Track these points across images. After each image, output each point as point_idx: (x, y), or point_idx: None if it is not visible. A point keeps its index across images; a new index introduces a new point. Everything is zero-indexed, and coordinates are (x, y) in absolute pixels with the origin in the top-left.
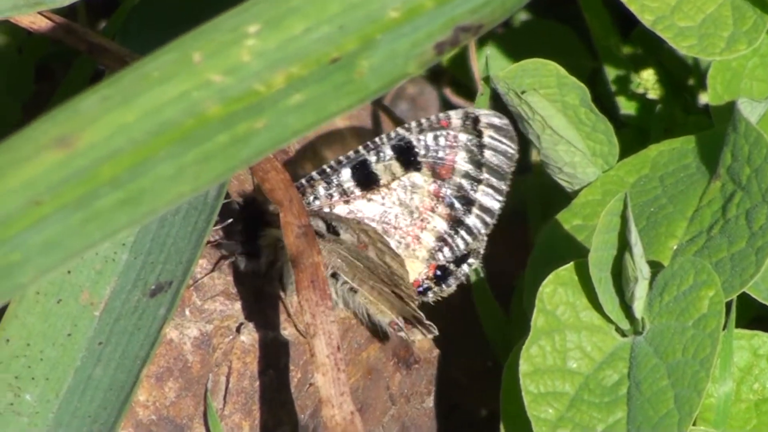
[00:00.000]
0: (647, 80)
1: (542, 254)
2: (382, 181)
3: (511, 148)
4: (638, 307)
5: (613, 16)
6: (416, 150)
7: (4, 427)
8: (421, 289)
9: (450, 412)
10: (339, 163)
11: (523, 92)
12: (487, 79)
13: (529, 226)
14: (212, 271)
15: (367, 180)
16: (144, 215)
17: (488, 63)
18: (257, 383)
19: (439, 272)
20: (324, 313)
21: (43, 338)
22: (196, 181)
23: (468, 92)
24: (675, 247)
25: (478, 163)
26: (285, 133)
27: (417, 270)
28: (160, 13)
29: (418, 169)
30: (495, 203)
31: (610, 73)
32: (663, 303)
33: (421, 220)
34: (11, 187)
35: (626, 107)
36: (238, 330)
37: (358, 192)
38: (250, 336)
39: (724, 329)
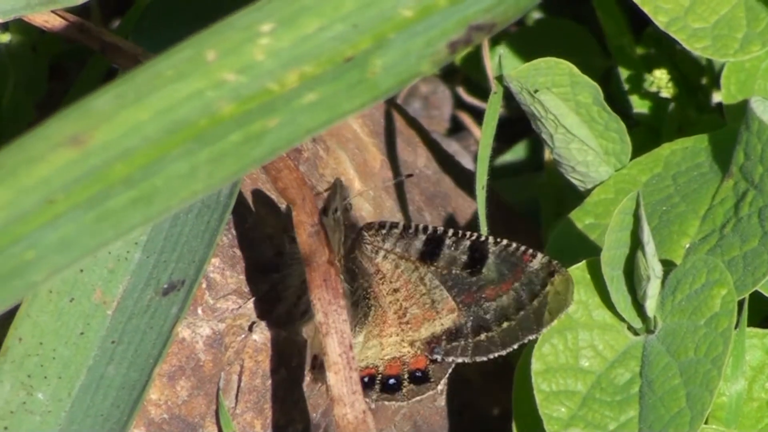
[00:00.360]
0: (660, 79)
1: (554, 253)
2: (440, 262)
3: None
4: (650, 306)
5: (627, 15)
6: (487, 261)
7: (17, 425)
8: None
9: (462, 411)
10: (424, 229)
11: (536, 91)
12: (500, 78)
13: (542, 225)
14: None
15: (432, 253)
16: (157, 214)
17: (501, 62)
18: (269, 382)
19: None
20: (336, 312)
21: (55, 337)
22: (209, 180)
23: (481, 91)
24: (687, 246)
25: (520, 306)
26: (298, 131)
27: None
28: (173, 12)
29: (474, 275)
30: (501, 348)
31: (623, 72)
32: (675, 301)
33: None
34: (25, 186)
35: (639, 106)
36: (250, 329)
37: (414, 257)
38: (262, 335)
39: (736, 328)
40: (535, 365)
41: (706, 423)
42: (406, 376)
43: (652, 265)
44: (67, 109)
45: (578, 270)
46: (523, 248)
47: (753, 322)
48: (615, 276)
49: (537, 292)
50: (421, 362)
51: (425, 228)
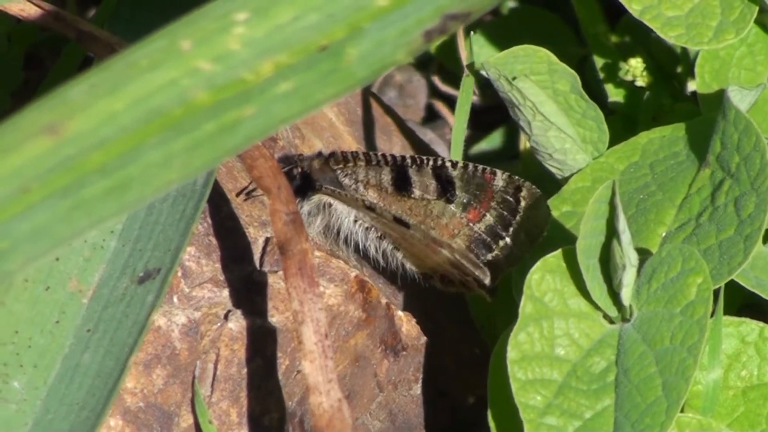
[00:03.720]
0: (635, 68)
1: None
2: (415, 194)
3: (543, 226)
4: (626, 295)
5: (601, 3)
6: (455, 186)
7: None
8: None
9: (437, 399)
10: (384, 158)
11: (514, 78)
12: (471, 66)
13: None
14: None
15: (403, 184)
16: (132, 203)
17: (476, 50)
18: (245, 370)
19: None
20: (312, 300)
21: (31, 325)
22: (185, 169)
23: (456, 80)
24: (664, 235)
25: (507, 225)
26: (273, 121)
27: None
28: (149, 1)
29: (450, 202)
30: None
31: (598, 60)
32: (651, 290)
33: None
34: None
35: (614, 95)
36: (226, 317)
37: (390, 190)
38: (238, 323)
39: (712, 316)
40: (511, 353)
41: (682, 411)
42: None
43: (627, 253)
44: (42, 98)
45: (554, 258)
46: (481, 167)
47: (729, 312)
48: (591, 264)
49: (515, 208)
50: None
51: (385, 157)
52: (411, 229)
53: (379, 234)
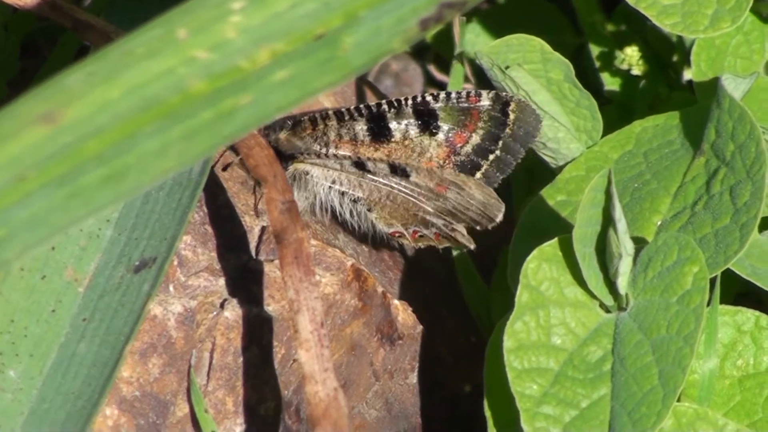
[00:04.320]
0: (631, 56)
1: (526, 230)
2: (395, 137)
3: (534, 132)
4: (622, 283)
5: None
6: (439, 118)
7: None
8: None
9: (434, 388)
10: (358, 111)
11: (507, 67)
12: (462, 54)
13: (513, 202)
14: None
15: (381, 132)
16: (128, 191)
17: (472, 38)
18: (241, 359)
19: None
20: (308, 289)
21: (27, 314)
22: (181, 157)
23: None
24: (659, 223)
25: (496, 139)
26: (269, 109)
27: None
28: None
29: (434, 135)
30: (499, 174)
31: (594, 49)
32: (647, 279)
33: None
34: None
35: (610, 83)
36: (221, 306)
37: (368, 140)
38: (233, 312)
39: (708, 305)
40: (507, 342)
41: (678, 400)
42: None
43: (623, 242)
44: (39, 86)
45: (550, 247)
46: (465, 92)
47: (725, 301)
48: (587, 253)
49: (503, 121)
50: None
51: (359, 109)
52: (411, 179)
53: (354, 197)
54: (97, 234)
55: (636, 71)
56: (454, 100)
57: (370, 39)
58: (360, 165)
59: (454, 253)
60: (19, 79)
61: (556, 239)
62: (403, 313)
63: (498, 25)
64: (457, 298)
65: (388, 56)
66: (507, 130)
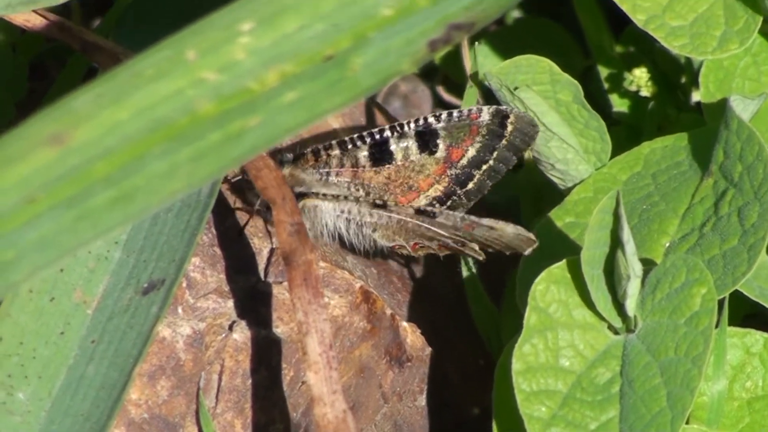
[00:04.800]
0: (640, 78)
1: (534, 251)
2: (396, 159)
3: (529, 140)
4: (630, 305)
5: (606, 14)
6: (440, 137)
7: None
8: None
9: (442, 411)
10: (361, 139)
11: (516, 88)
12: (475, 76)
13: (522, 223)
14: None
15: (382, 157)
16: (137, 213)
17: (480, 60)
18: (249, 381)
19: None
20: (316, 311)
21: (35, 336)
22: (190, 179)
23: (461, 90)
24: (667, 245)
25: (492, 150)
26: (278, 130)
27: None
28: (154, 11)
29: (433, 153)
30: (489, 182)
31: (603, 71)
32: (655, 301)
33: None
34: (5, 185)
35: (619, 105)
36: (230, 328)
37: (369, 165)
38: (242, 334)
39: (716, 327)
40: (516, 365)
41: (687, 423)
42: None
43: (631, 264)
44: (47, 108)
45: (558, 269)
46: (466, 110)
47: (733, 322)
48: (595, 275)
49: (501, 133)
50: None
51: (362, 137)
52: (437, 219)
53: (361, 223)
54: (105, 256)
55: (644, 93)
56: (456, 119)
57: (379, 60)
58: (381, 206)
59: (464, 274)
60: (28, 101)
61: (564, 261)
62: (412, 335)
63: (506, 46)
64: (466, 320)
65: (397, 77)
66: (503, 141)
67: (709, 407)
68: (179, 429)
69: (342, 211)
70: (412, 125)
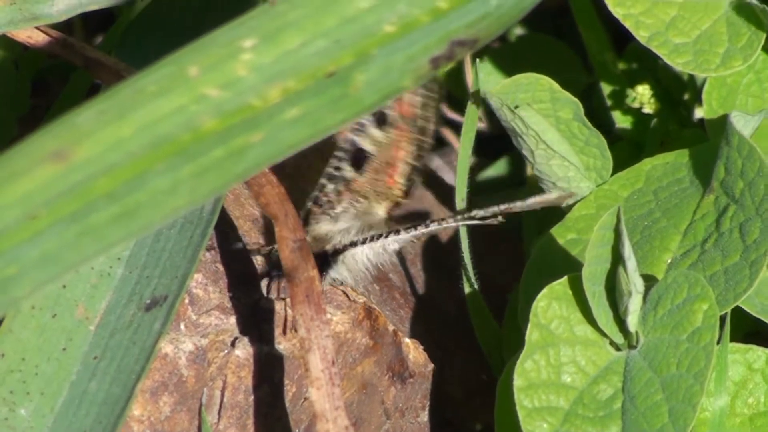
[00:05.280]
0: (643, 95)
1: (536, 268)
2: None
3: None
4: (632, 321)
5: (609, 30)
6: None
7: None
8: None
9: (444, 427)
10: (337, 157)
11: (516, 107)
12: (477, 94)
13: (524, 240)
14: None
15: (360, 161)
16: (139, 229)
17: (483, 77)
18: (252, 397)
19: None
20: (319, 327)
21: (38, 353)
22: (192, 195)
23: (463, 107)
24: (669, 261)
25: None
26: (281, 147)
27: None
28: (156, 28)
29: (388, 120)
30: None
31: (606, 87)
32: (657, 317)
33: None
34: (7, 201)
35: (621, 121)
36: (233, 344)
37: (356, 175)
38: (244, 350)
39: (718, 343)
40: (518, 381)
41: None
42: None
43: (633, 280)
44: (49, 124)
45: (560, 286)
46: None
47: (735, 338)
48: (596, 291)
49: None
50: None
51: (337, 156)
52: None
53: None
54: (108, 272)
55: (647, 109)
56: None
57: (382, 77)
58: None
59: (466, 291)
60: (30, 117)
61: (565, 278)
62: (415, 352)
63: (509, 63)
64: (468, 337)
65: (399, 94)
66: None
67: (711, 423)
68: None
69: (381, 248)
70: (371, 117)
